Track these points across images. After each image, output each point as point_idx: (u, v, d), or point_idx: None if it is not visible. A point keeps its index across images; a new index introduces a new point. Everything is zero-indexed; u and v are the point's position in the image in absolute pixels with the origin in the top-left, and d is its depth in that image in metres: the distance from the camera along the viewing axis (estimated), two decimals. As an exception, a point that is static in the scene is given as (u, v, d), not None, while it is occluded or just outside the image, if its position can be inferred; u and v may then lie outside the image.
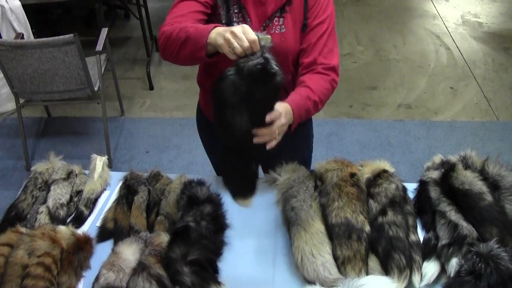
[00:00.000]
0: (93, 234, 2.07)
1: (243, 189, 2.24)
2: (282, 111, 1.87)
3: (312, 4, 2.07)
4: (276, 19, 2.06)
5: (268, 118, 1.82)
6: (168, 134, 4.63)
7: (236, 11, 2.05)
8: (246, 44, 1.68)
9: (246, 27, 1.70)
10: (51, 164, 2.33)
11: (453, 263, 1.80)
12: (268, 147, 1.86)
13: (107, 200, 2.25)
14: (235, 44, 1.69)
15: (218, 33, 1.76)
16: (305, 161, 2.55)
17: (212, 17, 2.08)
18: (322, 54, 2.08)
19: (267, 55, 1.72)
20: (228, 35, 1.70)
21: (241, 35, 1.68)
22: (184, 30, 1.87)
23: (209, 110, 2.36)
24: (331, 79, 2.10)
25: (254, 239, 2.06)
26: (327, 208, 2.00)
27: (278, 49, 2.03)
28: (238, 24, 1.99)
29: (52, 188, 2.20)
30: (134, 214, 2.11)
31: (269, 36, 1.76)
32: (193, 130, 4.09)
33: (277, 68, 1.73)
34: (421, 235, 2.00)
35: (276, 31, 2.07)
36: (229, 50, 1.71)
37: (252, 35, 1.68)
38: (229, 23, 2.04)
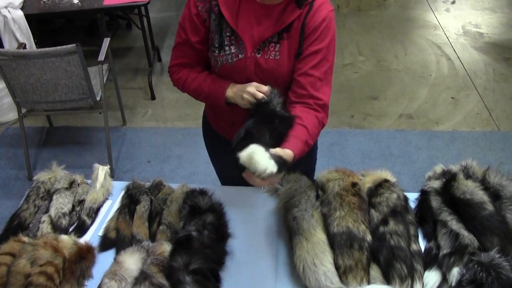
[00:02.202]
0: (95, 243, 2.07)
1: None
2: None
3: (309, 32, 2.01)
4: (273, 44, 2.03)
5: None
6: (169, 144, 4.63)
7: (228, 34, 2.04)
8: (260, 95, 1.95)
9: (254, 83, 1.99)
10: (53, 174, 2.33)
11: (455, 273, 1.80)
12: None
13: (109, 209, 2.26)
14: (254, 101, 1.96)
15: (234, 93, 2.05)
16: (310, 171, 2.55)
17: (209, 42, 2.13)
18: (315, 87, 2.03)
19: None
20: (247, 96, 1.98)
21: (255, 92, 1.96)
22: (199, 89, 2.16)
23: (216, 122, 2.40)
24: (321, 117, 2.04)
25: (256, 249, 2.06)
26: (329, 217, 2.01)
27: (271, 74, 2.06)
28: (229, 48, 2.05)
29: (54, 197, 2.20)
30: (136, 224, 2.12)
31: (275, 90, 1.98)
32: (194, 140, 4.08)
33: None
34: (422, 244, 2.01)
35: (271, 57, 2.04)
36: (249, 105, 1.99)
37: (263, 88, 1.97)
38: (221, 47, 2.05)
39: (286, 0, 1.99)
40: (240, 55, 2.04)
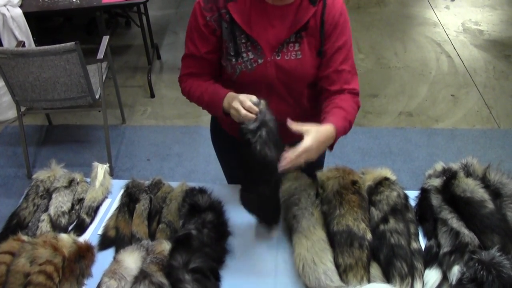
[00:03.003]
0: (94, 242, 2.07)
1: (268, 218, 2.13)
2: (311, 145, 1.82)
3: (331, 29, 2.02)
4: (292, 44, 2.01)
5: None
6: (169, 142, 4.63)
7: (243, 41, 2.00)
8: (243, 112, 1.84)
9: (242, 98, 1.87)
10: (53, 172, 2.33)
11: (455, 271, 1.80)
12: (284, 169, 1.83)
13: (109, 208, 2.25)
14: (240, 117, 1.85)
15: (228, 103, 1.97)
16: (320, 164, 2.54)
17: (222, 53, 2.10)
18: (347, 81, 2.08)
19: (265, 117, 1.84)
20: (233, 111, 1.90)
21: (238, 107, 1.86)
22: (201, 98, 2.12)
23: (226, 123, 2.37)
24: (357, 101, 2.09)
25: (255, 247, 2.06)
26: (329, 215, 2.00)
27: (294, 74, 2.05)
28: (247, 54, 2.02)
29: (53, 196, 2.20)
30: (136, 222, 2.11)
31: (262, 101, 1.88)
32: (194, 138, 4.08)
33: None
34: (422, 243, 2.00)
35: (292, 57, 2.02)
36: (238, 119, 1.88)
37: (247, 103, 1.85)
38: (237, 55, 2.02)
39: None
40: (259, 60, 2.02)
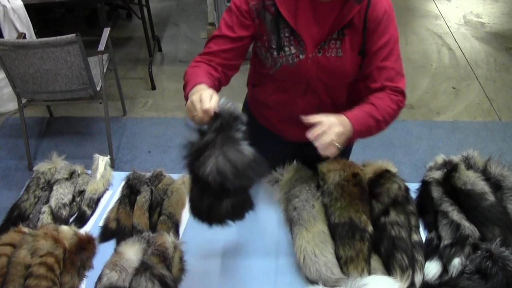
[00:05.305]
0: (95, 234, 2.07)
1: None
2: (335, 120, 1.79)
3: (373, 26, 1.95)
4: (333, 41, 1.97)
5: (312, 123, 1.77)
6: (170, 134, 4.63)
7: (287, 35, 1.96)
8: (201, 115, 1.64)
9: (203, 94, 1.66)
10: (54, 164, 2.33)
11: (455, 263, 1.80)
12: (330, 155, 1.77)
13: (110, 200, 2.25)
14: (194, 115, 1.66)
15: (190, 94, 1.78)
16: (348, 150, 2.52)
17: (258, 44, 2.05)
18: (389, 79, 1.99)
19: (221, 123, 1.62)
20: (189, 104, 1.71)
21: (196, 105, 1.65)
22: (192, 76, 1.90)
23: (262, 115, 2.33)
24: (398, 100, 2.00)
25: (256, 239, 2.06)
26: (330, 208, 2.00)
27: (334, 72, 2.01)
28: (289, 48, 1.97)
29: (54, 188, 2.20)
30: (137, 214, 2.11)
31: (229, 104, 1.65)
32: (195, 130, 4.04)
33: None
34: (423, 235, 2.01)
35: (333, 55, 1.98)
36: (191, 117, 1.69)
37: (205, 105, 1.62)
38: (280, 48, 1.98)
39: None
40: (301, 56, 1.98)
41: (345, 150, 2.40)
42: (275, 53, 1.99)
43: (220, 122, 1.62)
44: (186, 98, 1.83)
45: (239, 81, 2.40)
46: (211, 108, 1.62)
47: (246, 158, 1.61)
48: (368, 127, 1.92)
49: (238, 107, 1.70)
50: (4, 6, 4.36)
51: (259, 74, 2.13)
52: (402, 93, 2.01)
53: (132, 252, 1.86)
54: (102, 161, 2.35)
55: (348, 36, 1.96)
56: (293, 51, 1.97)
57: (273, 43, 1.98)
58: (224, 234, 1.97)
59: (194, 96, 1.68)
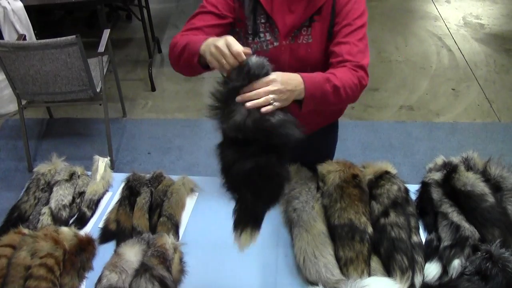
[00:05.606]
0: (95, 235, 2.07)
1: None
2: (275, 77, 1.67)
3: (340, 8, 1.95)
4: (305, 28, 1.99)
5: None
6: (170, 135, 4.63)
7: (263, 21, 1.99)
8: (232, 60, 1.58)
9: (229, 38, 1.60)
10: (54, 166, 2.33)
11: (455, 265, 1.80)
12: (263, 110, 1.58)
13: (110, 201, 2.26)
14: (223, 61, 1.60)
15: (206, 45, 1.69)
16: (330, 153, 2.52)
17: (235, 29, 2.05)
18: (351, 54, 1.93)
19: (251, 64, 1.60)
20: (213, 50, 1.62)
21: (225, 50, 1.59)
22: (187, 38, 1.85)
23: None
24: (360, 75, 1.93)
25: (256, 240, 2.06)
26: (330, 209, 2.01)
27: (304, 59, 2.02)
28: (264, 35, 1.99)
29: (54, 189, 2.20)
30: (137, 215, 2.12)
31: (249, 50, 1.61)
32: (195, 132, 4.07)
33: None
34: (423, 236, 2.01)
35: (304, 41, 2.00)
36: (218, 66, 1.64)
37: (236, 47, 1.57)
38: (255, 34, 2.01)
39: None
40: (275, 43, 2.01)
41: (327, 148, 2.41)
42: (250, 38, 2.02)
43: (248, 68, 1.59)
44: (191, 58, 1.79)
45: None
46: (242, 51, 1.58)
47: (278, 112, 1.59)
48: (323, 92, 1.82)
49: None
50: (4, 8, 4.36)
51: None
52: (364, 69, 1.96)
53: (132, 253, 1.86)
54: (102, 163, 2.35)
55: (318, 22, 1.98)
56: (268, 37, 2.01)
57: (249, 28, 2.00)
58: (224, 235, 1.96)
59: (219, 42, 1.60)
